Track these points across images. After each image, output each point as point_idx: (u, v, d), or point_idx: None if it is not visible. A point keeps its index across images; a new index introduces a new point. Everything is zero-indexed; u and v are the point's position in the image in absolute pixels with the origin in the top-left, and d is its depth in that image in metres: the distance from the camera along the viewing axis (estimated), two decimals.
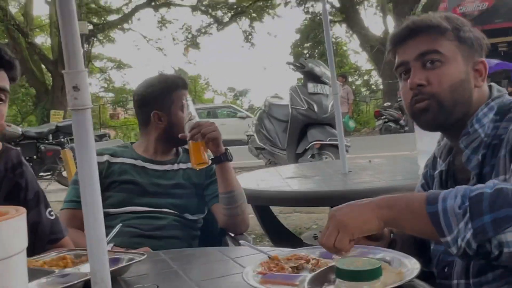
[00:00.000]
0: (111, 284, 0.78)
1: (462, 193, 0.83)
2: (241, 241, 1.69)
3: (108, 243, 1.33)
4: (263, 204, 2.33)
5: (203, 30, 23.24)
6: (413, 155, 2.08)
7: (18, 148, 1.42)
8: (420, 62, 1.13)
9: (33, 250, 1.28)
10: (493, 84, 1.21)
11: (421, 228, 0.90)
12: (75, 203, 1.70)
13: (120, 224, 1.43)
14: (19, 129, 8.05)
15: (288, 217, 4.28)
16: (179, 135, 1.72)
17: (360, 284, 0.68)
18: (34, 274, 1.01)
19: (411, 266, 0.92)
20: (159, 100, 1.80)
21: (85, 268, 1.03)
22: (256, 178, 2.56)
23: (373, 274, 0.68)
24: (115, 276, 1.06)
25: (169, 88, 1.81)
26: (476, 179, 1.08)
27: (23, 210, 0.50)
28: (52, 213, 1.41)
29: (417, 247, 1.24)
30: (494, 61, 14.45)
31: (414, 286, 0.90)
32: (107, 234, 1.50)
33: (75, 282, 0.95)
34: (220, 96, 37.70)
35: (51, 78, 17.96)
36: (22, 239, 0.48)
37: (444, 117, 1.14)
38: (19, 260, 0.47)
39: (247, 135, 7.37)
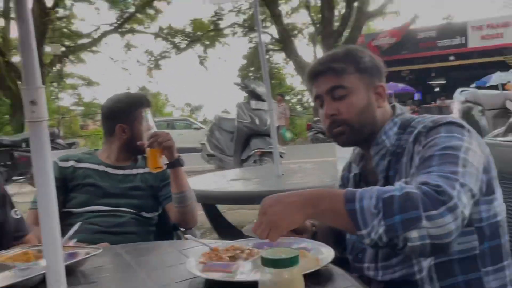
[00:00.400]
0: (65, 276, 0.79)
1: (376, 195, 0.90)
2: (186, 236, 1.79)
3: (70, 239, 1.38)
4: (210, 203, 2.43)
5: (163, 54, 24.69)
6: (335, 161, 2.23)
7: None
8: (330, 95, 1.22)
9: (0, 245, 1.37)
10: (395, 103, 1.31)
11: (341, 222, 0.96)
12: (37, 204, 1.77)
13: (80, 223, 1.49)
14: None
15: (235, 213, 4.43)
16: (138, 142, 1.85)
17: (281, 270, 0.68)
18: (2, 268, 1.09)
19: (327, 253, 1.02)
20: (124, 115, 1.92)
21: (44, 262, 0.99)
22: (205, 180, 2.64)
23: (291, 261, 0.68)
24: (73, 269, 1.12)
25: (134, 105, 1.92)
26: (383, 181, 1.18)
27: None
28: (17, 212, 1.47)
29: (334, 237, 1.31)
30: (400, 85, 15.92)
31: (329, 270, 0.98)
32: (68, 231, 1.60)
33: (33, 275, 0.99)
34: (178, 110, 38.77)
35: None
36: None
37: (356, 137, 1.25)
38: None
39: (200, 144, 7.46)
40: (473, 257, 1.06)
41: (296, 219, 0.98)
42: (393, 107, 1.29)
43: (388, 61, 19.15)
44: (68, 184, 1.88)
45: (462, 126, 1.08)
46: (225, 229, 2.76)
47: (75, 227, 1.42)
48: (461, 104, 5.90)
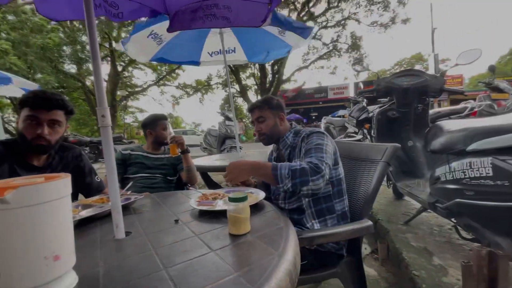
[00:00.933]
0: (121, 210, 0.76)
1: (287, 167, 0.95)
2: (190, 188, 1.75)
3: (128, 191, 1.34)
4: (204, 171, 2.38)
5: (180, 97, 24.23)
6: (266, 151, 2.25)
7: (79, 147, 1.38)
8: (257, 121, 1.27)
9: (88, 196, 1.32)
10: (293, 122, 1.33)
11: (269, 180, 0.99)
12: None
13: (132, 182, 1.42)
14: (88, 138, 8.18)
15: (217, 175, 4.50)
16: (165, 141, 1.80)
17: (237, 203, 0.70)
18: (86, 207, 1.03)
19: (262, 195, 1.01)
20: (150, 124, 1.84)
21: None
22: (202, 160, 2.60)
23: (243, 199, 0.71)
24: (128, 206, 1.08)
25: (154, 119, 1.84)
26: (287, 159, 1.21)
27: (68, 175, 0.51)
28: (97, 178, 1.39)
29: (265, 187, 1.31)
30: (297, 115, 16.68)
31: (263, 202, 0.98)
32: (125, 188, 1.50)
33: (106, 209, 0.95)
34: (189, 125, 38.34)
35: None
36: (67, 189, 0.50)
37: (270, 141, 1.27)
38: (67, 200, 0.49)
39: (200, 143, 7.41)
40: (329, 195, 1.10)
41: (245, 176, 1.05)
42: (291, 124, 1.31)
43: (291, 103, 20.09)
44: (126, 162, 1.78)
45: (323, 133, 1.13)
46: (212, 185, 2.69)
47: (129, 185, 1.36)
48: (324, 124, 6.15)
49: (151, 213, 1.00)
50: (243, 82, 21.16)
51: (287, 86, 22.62)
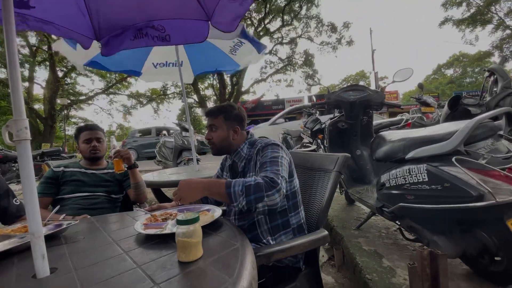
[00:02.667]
0: (44, 241, 0.63)
1: (241, 183, 0.90)
2: (135, 208, 1.58)
3: (60, 214, 1.16)
4: (156, 187, 2.21)
5: (133, 106, 22.81)
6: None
7: None
8: (209, 128, 1.18)
9: (5, 223, 1.13)
10: (249, 131, 1.26)
11: (223, 198, 0.93)
12: (39, 194, 1.44)
13: (58, 206, 1.20)
14: (16, 153, 6.58)
15: (171, 191, 4.25)
16: (110, 155, 1.60)
17: (187, 227, 0.63)
18: (4, 238, 0.86)
19: (218, 212, 0.95)
20: (75, 137, 1.68)
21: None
22: (155, 174, 2.42)
23: (193, 220, 0.64)
24: (58, 234, 0.92)
25: (77, 130, 1.68)
26: (241, 173, 1.16)
27: None
28: (16, 200, 1.17)
29: (216, 203, 1.27)
30: (252, 125, 17.32)
31: (219, 220, 0.92)
32: (61, 211, 1.30)
33: (27, 241, 0.78)
34: None
35: (43, 126, 15.49)
36: None
37: (218, 152, 1.20)
38: None
39: (154, 155, 6.97)
40: (284, 209, 1.08)
41: (195, 196, 0.95)
42: (247, 133, 1.25)
43: (250, 114, 20.50)
44: (59, 181, 1.53)
45: (278, 145, 1.10)
46: (165, 201, 2.51)
47: (55, 209, 1.14)
48: (282, 135, 6.32)
49: (87, 241, 0.85)
50: (202, 93, 20.86)
51: (246, 97, 22.98)
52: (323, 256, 2.12)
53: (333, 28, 18.39)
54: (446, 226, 1.28)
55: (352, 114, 2.46)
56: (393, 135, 1.69)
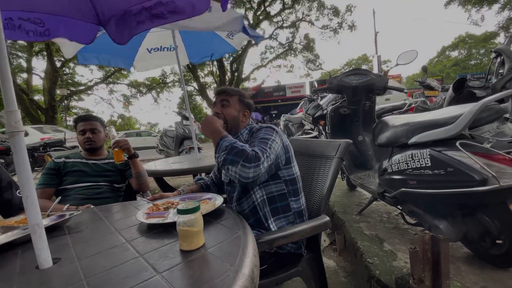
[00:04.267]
0: (44, 233, 0.63)
1: (230, 142, 0.92)
2: (138, 196, 1.59)
3: (64, 204, 1.17)
4: (159, 176, 2.21)
5: (133, 96, 22.88)
6: None
7: None
8: (220, 103, 1.15)
9: (10, 214, 1.12)
10: (250, 119, 1.24)
11: (215, 145, 0.96)
12: (41, 185, 1.47)
13: (60, 197, 1.21)
14: None
15: (174, 180, 4.25)
16: (88, 146, 1.60)
17: (188, 216, 0.63)
18: (7, 229, 0.86)
19: (219, 200, 0.95)
20: (76, 129, 1.65)
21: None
22: (156, 163, 2.43)
23: (194, 209, 0.64)
24: (61, 225, 0.92)
25: (74, 121, 1.69)
26: None
27: None
28: (20, 192, 1.17)
29: (218, 187, 1.31)
30: (256, 113, 16.96)
31: (220, 209, 0.92)
32: (64, 201, 1.30)
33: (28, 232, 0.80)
34: (143, 126, 35.92)
35: (44, 117, 15.45)
36: None
37: (226, 129, 1.15)
38: None
39: (156, 144, 6.95)
40: (284, 193, 1.07)
41: (207, 135, 1.02)
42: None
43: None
44: (61, 172, 1.53)
45: (273, 129, 1.08)
46: (168, 190, 2.52)
47: (57, 200, 1.14)
48: (283, 122, 6.27)
49: (90, 231, 0.86)
50: (202, 80, 20.57)
51: (247, 84, 22.69)
52: (324, 240, 2.15)
53: (335, 11, 17.84)
54: (448, 210, 1.28)
55: (354, 99, 2.41)
56: (395, 120, 1.67)
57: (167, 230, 0.78)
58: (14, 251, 0.75)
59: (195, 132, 3.46)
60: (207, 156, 2.91)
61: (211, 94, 20.34)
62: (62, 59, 16.51)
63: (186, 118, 5.70)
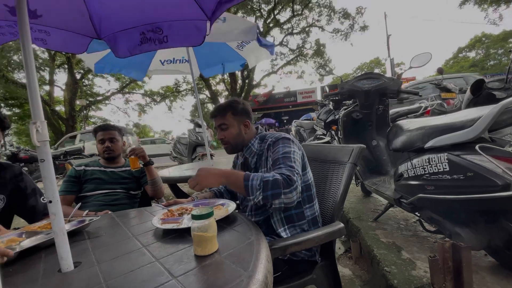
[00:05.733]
0: (67, 238, 0.66)
1: (260, 178, 0.88)
2: (153, 203, 1.62)
3: (83, 210, 1.22)
4: (172, 182, 2.25)
5: (148, 105, 23.52)
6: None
7: (20, 164, 1.22)
8: (219, 128, 1.16)
9: (34, 220, 1.17)
10: (259, 126, 1.24)
11: (240, 190, 0.91)
12: (63, 192, 1.53)
13: (80, 204, 1.26)
14: None
15: (187, 186, 4.32)
16: (126, 154, 1.63)
17: (202, 221, 0.64)
18: (31, 234, 0.90)
19: (232, 206, 0.96)
20: (95, 136, 1.72)
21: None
22: (169, 170, 2.48)
23: (207, 215, 0.65)
24: (81, 230, 0.96)
25: (93, 131, 1.74)
26: (254, 168, 1.15)
27: None
28: (44, 198, 1.22)
29: (231, 194, 1.30)
30: (269, 119, 16.78)
31: (233, 215, 0.93)
32: (83, 207, 1.38)
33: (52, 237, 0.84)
34: (157, 133, 36.94)
35: (64, 127, 16.34)
36: None
37: (234, 150, 1.19)
38: None
39: (170, 152, 7.08)
40: (299, 201, 1.06)
41: (212, 182, 0.94)
42: (257, 128, 1.23)
43: (262, 108, 20.39)
44: (81, 179, 1.60)
45: (289, 139, 1.08)
46: (182, 196, 2.56)
47: (77, 206, 1.19)
48: (295, 127, 6.24)
49: (108, 236, 0.89)
50: (213, 88, 20.93)
51: (257, 91, 22.85)
52: (339, 248, 2.10)
53: (345, 14, 17.78)
54: (469, 217, 1.23)
55: (366, 104, 2.38)
56: (410, 124, 1.63)
57: (181, 235, 0.80)
58: (38, 254, 0.79)
59: (208, 139, 3.52)
60: (220, 162, 2.94)
61: (222, 101, 20.68)
62: (82, 71, 17.33)
63: (199, 126, 5.81)
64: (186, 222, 0.87)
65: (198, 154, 5.54)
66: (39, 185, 1.23)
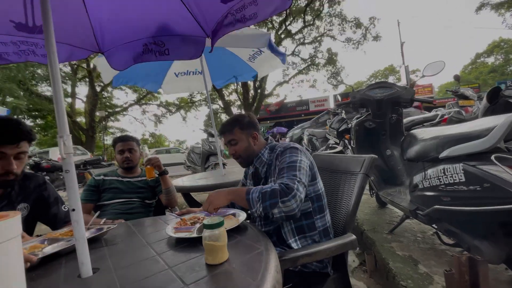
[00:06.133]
0: (87, 245, 0.70)
1: (258, 190, 0.92)
2: (167, 212, 1.67)
3: (101, 218, 1.27)
4: (186, 191, 2.30)
5: (163, 115, 24.14)
6: None
7: (43, 173, 1.29)
8: (229, 144, 1.20)
9: (55, 227, 1.23)
10: (269, 136, 1.27)
11: (244, 205, 0.95)
12: (82, 200, 1.59)
13: (99, 212, 1.34)
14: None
15: (200, 195, 4.38)
16: (143, 163, 1.70)
17: (213, 230, 0.66)
18: (53, 241, 0.95)
19: (242, 216, 0.98)
20: (113, 147, 1.80)
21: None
22: (184, 179, 2.53)
23: (218, 224, 0.67)
24: (99, 237, 1.01)
25: (113, 141, 1.82)
26: (264, 179, 1.17)
27: (17, 213, 0.46)
28: (65, 207, 1.29)
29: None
30: (281, 128, 16.71)
31: (245, 225, 0.95)
32: (101, 216, 1.43)
33: (73, 244, 0.88)
34: (172, 143, 37.91)
35: (84, 137, 17.11)
36: (15, 230, 0.45)
37: (247, 162, 1.22)
38: (14, 242, 0.44)
39: (184, 161, 7.21)
40: (309, 211, 1.07)
41: (222, 201, 0.97)
42: (267, 139, 1.27)
43: (275, 117, 20.49)
44: (100, 188, 1.67)
45: (297, 148, 1.10)
46: (195, 205, 2.60)
47: (96, 214, 1.24)
48: (307, 136, 6.21)
49: (124, 244, 0.93)
50: (226, 98, 21.26)
51: (269, 100, 23.00)
52: (353, 261, 2.05)
53: (358, 23, 17.78)
54: (487, 229, 1.18)
55: (379, 113, 2.36)
56: (425, 133, 1.60)
57: (193, 244, 0.82)
58: (59, 261, 0.84)
59: (220, 149, 3.58)
60: (232, 172, 2.98)
61: (235, 111, 20.85)
62: (102, 84, 18.17)
63: (212, 135, 5.92)
64: (198, 231, 0.89)
65: (211, 163, 5.63)
66: (60, 193, 1.30)
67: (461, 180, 1.18)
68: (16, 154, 1.02)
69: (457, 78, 3.98)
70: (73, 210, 0.68)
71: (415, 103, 2.44)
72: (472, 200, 1.12)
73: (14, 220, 0.45)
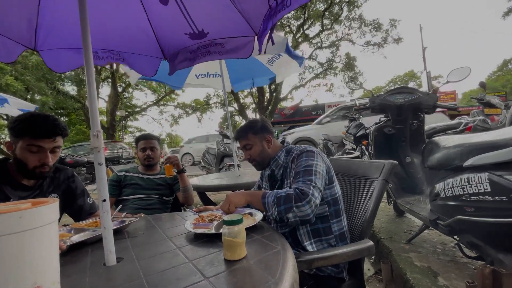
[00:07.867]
0: (113, 236, 0.74)
1: (274, 195, 0.95)
2: (186, 209, 1.71)
3: (122, 212, 1.33)
4: (202, 191, 2.33)
5: (180, 116, 24.28)
6: None
7: (71, 169, 1.37)
8: (244, 148, 1.23)
9: (79, 218, 1.29)
10: (285, 140, 1.30)
11: (260, 207, 0.99)
12: None
13: (121, 206, 1.41)
14: (85, 159, 7.58)
15: (215, 195, 4.41)
16: (161, 161, 1.75)
17: (233, 227, 0.68)
18: (79, 231, 1.01)
19: (259, 216, 0.99)
20: (136, 146, 1.86)
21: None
22: (200, 179, 2.58)
23: (237, 221, 0.69)
24: (121, 230, 1.05)
25: (136, 139, 1.87)
26: (280, 181, 1.18)
27: (55, 200, 0.50)
28: (90, 199, 1.35)
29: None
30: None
31: (260, 224, 0.96)
32: (121, 210, 1.45)
33: (99, 234, 0.93)
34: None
35: (105, 135, 17.55)
36: (54, 215, 0.48)
37: (262, 166, 1.24)
38: (52, 226, 0.47)
39: (199, 161, 7.37)
40: (326, 215, 1.06)
41: (241, 201, 1.00)
42: (283, 142, 1.28)
43: (289, 120, 20.42)
44: (121, 184, 1.75)
45: (313, 152, 1.10)
46: (209, 204, 2.64)
47: (119, 207, 1.30)
48: (322, 141, 6.14)
49: (145, 237, 0.97)
50: (241, 101, 21.39)
51: (284, 103, 22.92)
52: (369, 269, 2.00)
53: (378, 26, 17.41)
54: None
55: (399, 119, 2.30)
56: (448, 141, 1.55)
57: (211, 240, 0.85)
58: (85, 249, 0.89)
59: (235, 150, 3.61)
60: (246, 173, 3.00)
61: (249, 114, 20.96)
62: (123, 84, 18.85)
63: (227, 137, 5.99)
64: (216, 228, 0.92)
65: (225, 165, 5.69)
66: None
67: (486, 190, 1.13)
68: (52, 148, 1.09)
69: (482, 85, 3.80)
70: (104, 200, 0.72)
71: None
72: (498, 211, 1.08)
73: (54, 205, 0.49)
